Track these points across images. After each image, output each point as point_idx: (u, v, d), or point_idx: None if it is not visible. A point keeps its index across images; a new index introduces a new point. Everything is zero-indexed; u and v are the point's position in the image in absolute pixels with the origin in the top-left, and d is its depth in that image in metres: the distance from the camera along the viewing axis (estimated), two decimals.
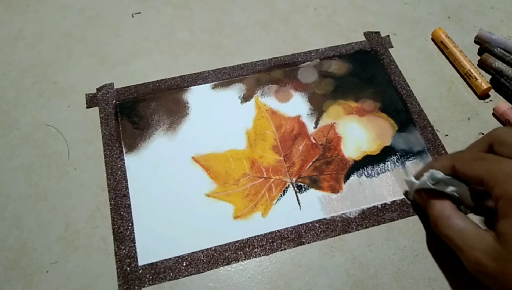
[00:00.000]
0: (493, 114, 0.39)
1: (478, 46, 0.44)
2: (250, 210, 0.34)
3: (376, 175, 0.36)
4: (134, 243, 0.32)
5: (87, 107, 0.39)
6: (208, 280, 0.31)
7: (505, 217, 0.26)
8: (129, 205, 0.34)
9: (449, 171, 0.30)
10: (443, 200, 0.30)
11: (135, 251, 0.32)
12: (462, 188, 0.30)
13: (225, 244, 0.32)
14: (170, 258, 0.32)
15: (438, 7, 0.48)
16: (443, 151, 0.37)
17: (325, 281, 0.31)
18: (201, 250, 0.32)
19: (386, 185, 0.35)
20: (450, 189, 0.30)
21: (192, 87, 0.41)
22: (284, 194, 0.35)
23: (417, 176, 0.33)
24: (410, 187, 0.33)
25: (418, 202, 0.33)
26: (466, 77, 0.41)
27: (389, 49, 0.44)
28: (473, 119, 0.39)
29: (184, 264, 0.32)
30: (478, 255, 0.27)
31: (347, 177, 0.36)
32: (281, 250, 0.32)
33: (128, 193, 0.35)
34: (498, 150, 0.29)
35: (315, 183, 0.35)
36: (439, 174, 0.30)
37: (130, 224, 0.33)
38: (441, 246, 0.32)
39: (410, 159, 0.37)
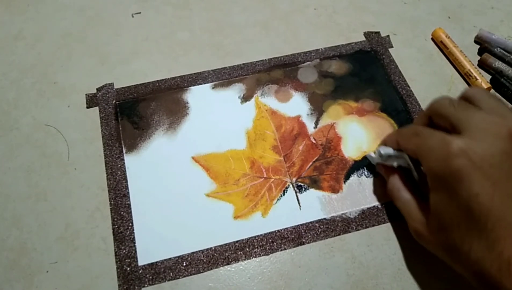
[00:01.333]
0: None
1: (478, 46, 0.44)
2: (250, 210, 0.34)
3: (376, 175, 0.36)
4: (134, 243, 0.32)
5: (87, 107, 0.39)
6: (208, 280, 0.31)
7: (432, 191, 0.27)
8: (129, 205, 0.34)
9: (395, 146, 0.32)
10: (394, 174, 0.32)
11: (135, 251, 0.32)
12: (408, 161, 0.31)
13: (225, 244, 0.32)
14: (170, 258, 0.32)
15: (438, 7, 0.48)
16: None
17: (325, 281, 0.31)
18: (201, 250, 0.32)
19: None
20: (396, 163, 0.32)
21: (192, 87, 0.41)
22: (284, 194, 0.35)
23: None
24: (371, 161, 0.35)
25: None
26: (466, 77, 0.41)
27: (389, 49, 0.44)
28: None
29: (184, 264, 0.32)
30: (417, 226, 0.29)
31: (347, 177, 0.36)
32: (281, 250, 0.32)
33: (128, 193, 0.35)
34: (436, 122, 0.30)
35: (315, 183, 0.35)
36: (385, 150, 0.32)
37: (130, 224, 0.33)
38: None
39: None
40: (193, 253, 0.32)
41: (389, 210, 0.34)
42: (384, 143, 0.34)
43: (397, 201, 0.31)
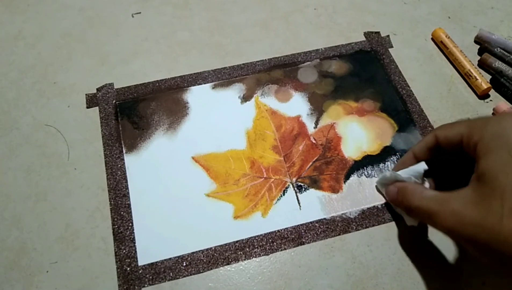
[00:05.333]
0: (493, 114, 0.39)
1: (478, 46, 0.44)
2: (250, 210, 0.34)
3: (376, 175, 0.36)
4: (134, 243, 0.32)
5: (87, 107, 0.39)
6: (208, 280, 0.31)
7: (484, 156, 0.25)
8: (129, 205, 0.34)
9: (433, 145, 0.30)
10: (402, 182, 0.31)
11: (135, 251, 0.32)
12: (421, 172, 0.30)
13: (225, 244, 0.32)
14: (170, 258, 0.32)
15: (438, 7, 0.48)
16: None
17: (325, 281, 0.31)
18: (201, 250, 0.32)
19: None
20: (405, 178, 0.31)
21: (192, 87, 0.41)
22: (284, 194, 0.35)
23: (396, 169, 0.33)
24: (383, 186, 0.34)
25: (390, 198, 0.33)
26: (466, 77, 0.41)
27: (389, 49, 0.44)
28: None
29: (184, 264, 0.32)
30: (456, 207, 0.25)
31: (347, 177, 0.36)
32: (281, 250, 0.32)
33: (128, 193, 0.35)
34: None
35: (315, 183, 0.35)
36: (406, 173, 0.31)
37: (130, 224, 0.33)
38: (441, 245, 0.33)
39: None
40: (193, 253, 0.32)
41: (389, 210, 0.34)
42: (414, 154, 0.32)
43: (421, 201, 0.28)
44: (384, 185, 0.33)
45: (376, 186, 0.35)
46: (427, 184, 0.30)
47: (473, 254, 0.25)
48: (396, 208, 0.33)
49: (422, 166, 0.30)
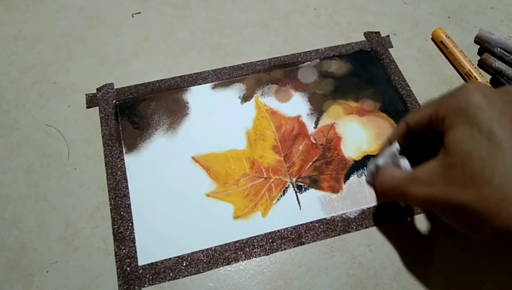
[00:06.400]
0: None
1: (478, 46, 0.44)
2: (250, 210, 0.34)
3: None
4: (134, 243, 0.32)
5: (87, 107, 0.39)
6: (208, 280, 0.31)
7: (449, 130, 0.26)
8: (129, 205, 0.34)
9: (404, 131, 0.31)
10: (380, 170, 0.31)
11: (135, 251, 0.32)
12: (396, 153, 0.31)
13: (225, 244, 0.32)
14: (170, 258, 0.32)
15: (438, 7, 0.48)
16: None
17: (325, 281, 0.31)
18: (201, 250, 0.32)
19: None
20: (382, 161, 0.31)
21: (192, 87, 0.41)
22: (284, 194, 0.35)
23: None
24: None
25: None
26: (466, 77, 0.41)
27: (389, 49, 0.44)
28: None
29: (184, 264, 0.32)
30: (423, 179, 0.26)
31: (347, 177, 0.36)
32: (281, 250, 0.32)
33: (128, 193, 0.35)
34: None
35: (315, 183, 0.35)
36: (381, 160, 0.31)
37: (130, 224, 0.33)
38: (441, 245, 0.33)
39: None
40: (193, 253, 0.32)
41: (389, 210, 0.34)
42: (388, 140, 0.32)
43: (394, 183, 0.29)
44: (372, 179, 0.33)
45: (367, 181, 0.35)
46: (403, 162, 0.30)
47: (447, 222, 0.26)
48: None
49: (395, 146, 0.31)
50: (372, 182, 0.33)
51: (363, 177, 0.36)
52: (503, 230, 0.23)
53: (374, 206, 0.34)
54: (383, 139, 0.34)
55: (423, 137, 0.30)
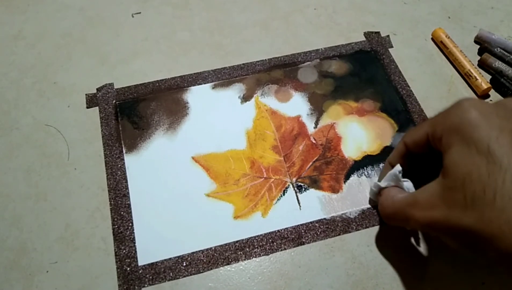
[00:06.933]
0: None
1: (478, 46, 0.44)
2: (250, 210, 0.34)
3: (376, 175, 0.36)
4: (134, 243, 0.32)
5: (87, 107, 0.39)
6: (208, 280, 0.31)
7: (447, 150, 0.26)
8: (129, 205, 0.34)
9: (404, 152, 0.31)
10: (383, 191, 0.31)
11: (135, 251, 0.32)
12: (398, 175, 0.30)
13: (225, 244, 0.32)
14: (170, 258, 0.32)
15: (438, 7, 0.48)
16: None
17: (325, 281, 0.31)
18: (201, 250, 0.32)
19: None
20: (386, 184, 0.31)
21: (192, 87, 0.41)
22: (284, 194, 0.35)
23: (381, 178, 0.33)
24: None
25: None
26: (466, 77, 0.41)
27: (389, 49, 0.44)
28: None
29: (184, 264, 0.32)
30: (424, 204, 0.26)
31: (347, 177, 0.36)
32: (281, 250, 0.32)
33: (128, 193, 0.35)
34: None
35: (315, 183, 0.35)
36: (384, 183, 0.31)
37: (130, 224, 0.33)
38: (441, 245, 0.32)
39: None
40: (193, 253, 0.32)
41: (401, 230, 0.34)
42: (389, 162, 0.32)
43: (396, 207, 0.29)
44: (374, 200, 0.33)
45: (370, 205, 0.35)
46: (407, 185, 0.30)
47: (452, 246, 0.26)
48: None
49: (397, 168, 0.30)
50: (375, 205, 0.33)
51: (363, 177, 0.36)
52: (509, 253, 0.22)
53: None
54: (385, 163, 0.33)
55: (424, 156, 0.30)
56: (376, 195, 0.32)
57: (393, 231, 0.33)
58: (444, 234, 0.25)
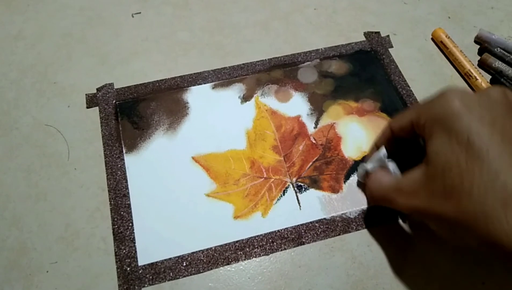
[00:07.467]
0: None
1: (478, 46, 0.44)
2: (250, 210, 0.34)
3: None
4: (134, 243, 0.32)
5: (87, 107, 0.39)
6: (208, 280, 0.31)
7: (429, 139, 0.26)
8: (129, 205, 0.34)
9: (389, 136, 0.31)
10: (370, 176, 0.32)
11: (135, 251, 0.32)
12: (384, 158, 0.31)
13: (225, 244, 0.32)
14: (170, 258, 0.32)
15: (438, 7, 0.48)
16: None
17: (325, 281, 0.31)
18: (201, 250, 0.32)
19: None
20: (371, 166, 0.32)
21: (192, 87, 0.41)
22: (284, 194, 0.35)
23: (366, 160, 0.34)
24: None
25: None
26: (466, 77, 0.41)
27: (389, 49, 0.44)
28: None
29: (184, 264, 0.32)
30: (407, 190, 0.27)
31: (347, 177, 0.36)
32: (281, 250, 0.32)
33: (128, 193, 0.35)
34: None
35: (315, 183, 0.35)
36: (369, 165, 0.32)
37: (130, 224, 0.33)
38: (441, 245, 0.32)
39: None
40: (193, 253, 0.32)
41: (389, 210, 0.34)
42: (375, 144, 0.33)
43: (382, 191, 0.30)
44: (362, 183, 0.34)
45: (357, 185, 0.35)
46: (391, 166, 0.31)
47: (435, 231, 0.26)
48: None
49: (382, 151, 0.31)
50: (362, 187, 0.34)
51: None
52: (485, 242, 0.23)
53: (374, 206, 0.34)
54: (371, 144, 0.34)
55: (410, 140, 0.30)
56: (364, 177, 0.33)
57: (393, 231, 0.33)
58: (427, 221, 0.26)
